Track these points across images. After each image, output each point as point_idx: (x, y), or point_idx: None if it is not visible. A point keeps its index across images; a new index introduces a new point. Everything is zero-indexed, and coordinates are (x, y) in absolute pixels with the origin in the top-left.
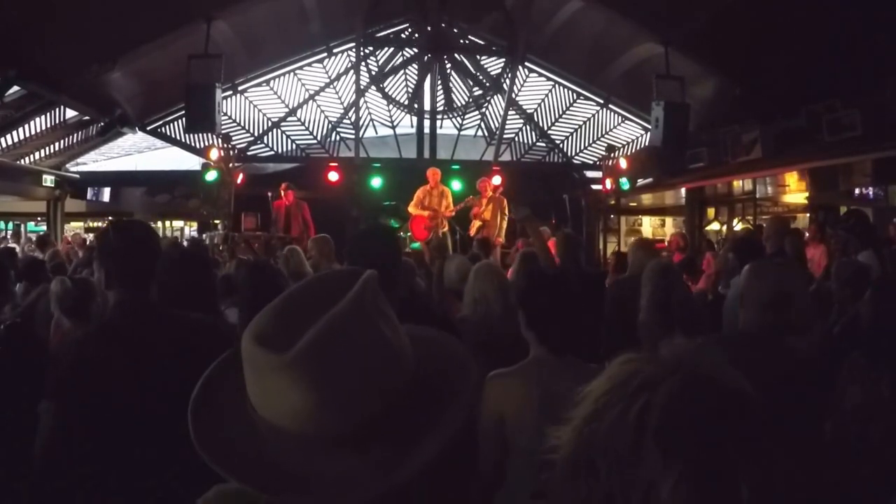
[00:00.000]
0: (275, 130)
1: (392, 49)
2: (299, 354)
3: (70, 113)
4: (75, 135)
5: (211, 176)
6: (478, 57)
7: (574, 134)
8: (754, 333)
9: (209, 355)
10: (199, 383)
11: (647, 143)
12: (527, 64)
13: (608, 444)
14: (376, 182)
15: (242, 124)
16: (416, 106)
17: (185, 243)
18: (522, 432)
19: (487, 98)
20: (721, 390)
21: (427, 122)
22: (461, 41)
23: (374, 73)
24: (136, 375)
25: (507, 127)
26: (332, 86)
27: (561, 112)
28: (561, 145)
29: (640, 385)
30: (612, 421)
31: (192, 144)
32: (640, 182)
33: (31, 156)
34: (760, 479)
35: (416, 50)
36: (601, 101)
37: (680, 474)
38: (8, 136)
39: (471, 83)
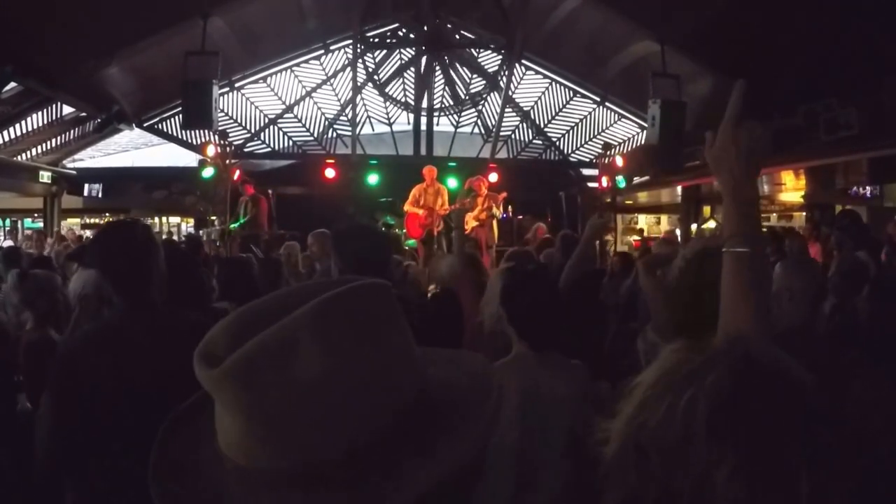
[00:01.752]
0: (272, 127)
1: (389, 45)
2: (227, 370)
3: (67, 109)
4: (72, 131)
5: (208, 172)
6: (475, 53)
7: (570, 131)
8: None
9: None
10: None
11: (643, 141)
12: (523, 61)
13: (659, 434)
14: (373, 179)
15: (239, 121)
16: (412, 103)
17: (182, 240)
18: (502, 427)
19: (484, 95)
20: (773, 376)
21: (424, 120)
22: (458, 38)
23: (370, 69)
24: (133, 376)
25: (503, 124)
26: (328, 83)
27: (557, 110)
28: (557, 143)
29: (689, 373)
30: (662, 411)
31: (189, 141)
32: (637, 180)
33: (28, 152)
34: (821, 469)
35: (413, 48)
36: (598, 99)
37: (735, 464)
38: (5, 133)
39: (468, 80)
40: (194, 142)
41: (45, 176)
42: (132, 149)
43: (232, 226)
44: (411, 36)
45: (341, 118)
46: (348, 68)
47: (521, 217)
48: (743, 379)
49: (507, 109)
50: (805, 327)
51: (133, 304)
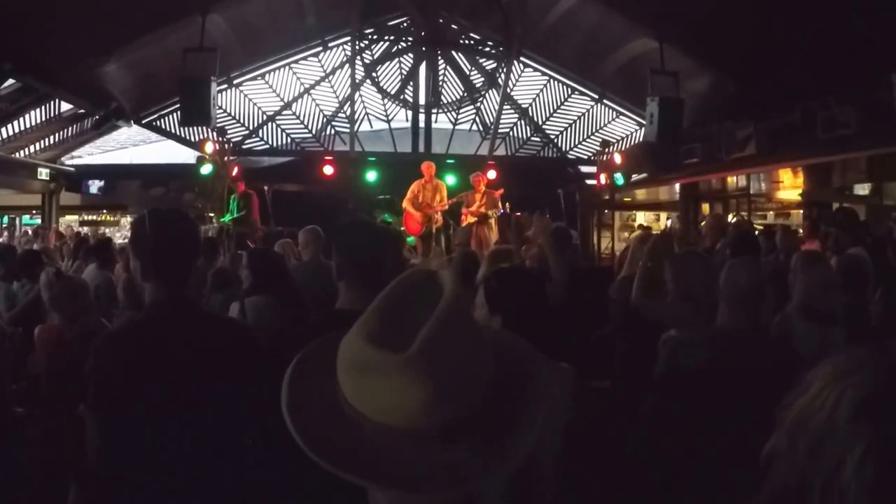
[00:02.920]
0: (270, 124)
1: (387, 42)
2: (417, 353)
3: (65, 106)
4: (70, 128)
5: (206, 169)
6: (473, 50)
7: (569, 129)
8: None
9: (239, 359)
10: (285, 383)
11: (641, 139)
12: (522, 59)
13: (807, 422)
14: (371, 176)
15: (237, 118)
16: (410, 100)
17: None
18: None
19: (482, 93)
20: None
21: (422, 117)
22: (456, 36)
23: (368, 66)
24: (168, 375)
25: (501, 121)
26: (327, 80)
27: (556, 107)
28: (555, 140)
29: (846, 368)
30: (815, 402)
31: (187, 138)
32: (635, 177)
33: (27, 149)
34: None
35: (411, 45)
36: (596, 97)
37: (865, 451)
38: (3, 130)
39: (465, 79)
40: (192, 139)
41: (43, 173)
42: (130, 146)
43: (222, 219)
44: (410, 32)
45: (340, 115)
46: (346, 65)
47: (518, 214)
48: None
49: (505, 106)
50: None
51: (170, 301)
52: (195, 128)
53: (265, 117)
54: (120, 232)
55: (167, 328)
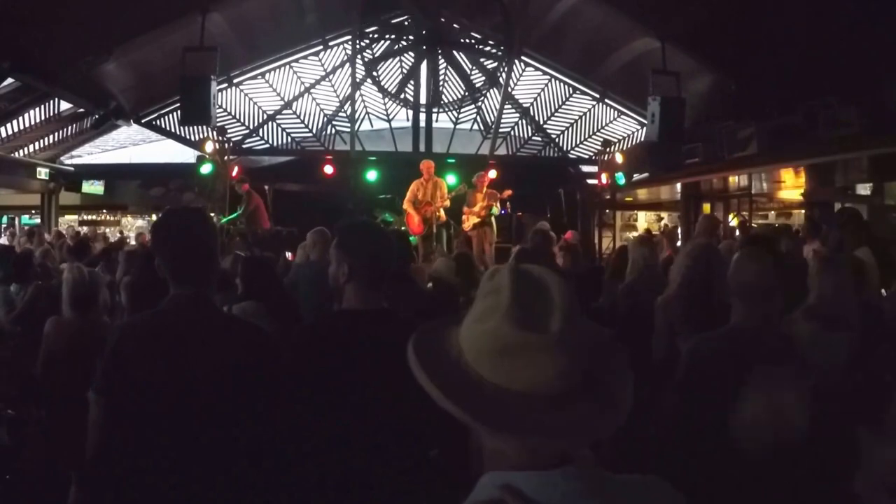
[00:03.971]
0: (270, 123)
1: (388, 41)
2: (558, 333)
3: (64, 105)
4: (69, 127)
5: (206, 169)
6: (474, 49)
7: (570, 128)
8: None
9: (250, 360)
10: (417, 359)
11: (642, 138)
12: (523, 58)
13: None
14: (372, 175)
15: (238, 117)
16: (411, 99)
17: None
18: None
19: (483, 92)
20: None
21: (423, 116)
22: (458, 35)
23: (369, 65)
24: (177, 367)
25: (502, 121)
26: (327, 79)
27: (557, 106)
28: (557, 140)
29: None
30: None
31: (187, 137)
32: (636, 177)
33: (26, 148)
34: None
35: (412, 44)
36: (597, 96)
37: None
38: (2, 129)
39: (466, 78)
40: (192, 138)
41: (42, 172)
42: (130, 145)
43: (223, 220)
44: (411, 31)
45: (340, 114)
46: (347, 64)
47: (520, 214)
48: None
49: (506, 106)
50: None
51: (187, 300)
52: (195, 127)
53: (265, 116)
54: (121, 232)
55: (181, 323)
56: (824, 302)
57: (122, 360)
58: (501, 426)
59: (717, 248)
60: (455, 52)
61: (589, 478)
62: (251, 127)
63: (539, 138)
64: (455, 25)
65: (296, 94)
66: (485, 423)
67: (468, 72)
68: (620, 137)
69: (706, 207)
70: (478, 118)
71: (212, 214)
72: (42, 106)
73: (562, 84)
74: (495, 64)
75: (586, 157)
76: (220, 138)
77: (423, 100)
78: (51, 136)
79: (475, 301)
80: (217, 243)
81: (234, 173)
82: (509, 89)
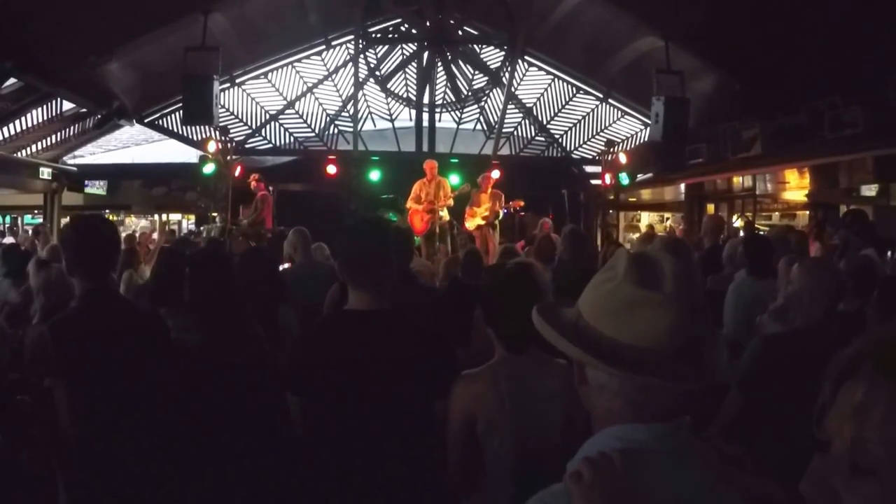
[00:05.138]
0: (273, 123)
1: (391, 42)
2: (673, 293)
3: (67, 105)
4: (72, 127)
5: (208, 168)
6: (477, 49)
7: (573, 128)
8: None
9: (155, 340)
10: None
11: (646, 139)
12: (526, 57)
13: None
14: (374, 175)
15: (240, 117)
16: (414, 99)
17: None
18: (494, 433)
19: (486, 92)
20: None
21: (426, 116)
22: (460, 34)
23: (372, 65)
24: (105, 354)
25: (506, 121)
26: (330, 79)
27: (560, 106)
28: (560, 140)
29: None
30: None
31: (190, 137)
32: (640, 177)
33: (28, 148)
34: None
35: (415, 44)
36: (601, 96)
37: None
38: (4, 129)
39: (470, 77)
40: (195, 138)
41: (45, 172)
42: (132, 145)
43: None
44: (414, 31)
45: (343, 114)
46: (350, 64)
47: (522, 214)
48: None
49: (509, 106)
50: (822, 326)
51: (97, 292)
52: (198, 127)
53: (268, 116)
54: (125, 232)
55: (97, 313)
56: (791, 303)
57: (65, 348)
58: (619, 365)
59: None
60: (458, 51)
61: (689, 434)
62: (254, 127)
63: (542, 138)
64: (458, 25)
65: (298, 93)
66: (606, 362)
67: (471, 71)
68: (624, 137)
69: (710, 208)
70: (481, 118)
71: (214, 214)
72: (45, 106)
73: (565, 84)
74: (498, 63)
75: (590, 157)
76: (223, 138)
77: (426, 99)
78: (53, 136)
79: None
80: (116, 244)
81: (236, 173)
82: (512, 89)
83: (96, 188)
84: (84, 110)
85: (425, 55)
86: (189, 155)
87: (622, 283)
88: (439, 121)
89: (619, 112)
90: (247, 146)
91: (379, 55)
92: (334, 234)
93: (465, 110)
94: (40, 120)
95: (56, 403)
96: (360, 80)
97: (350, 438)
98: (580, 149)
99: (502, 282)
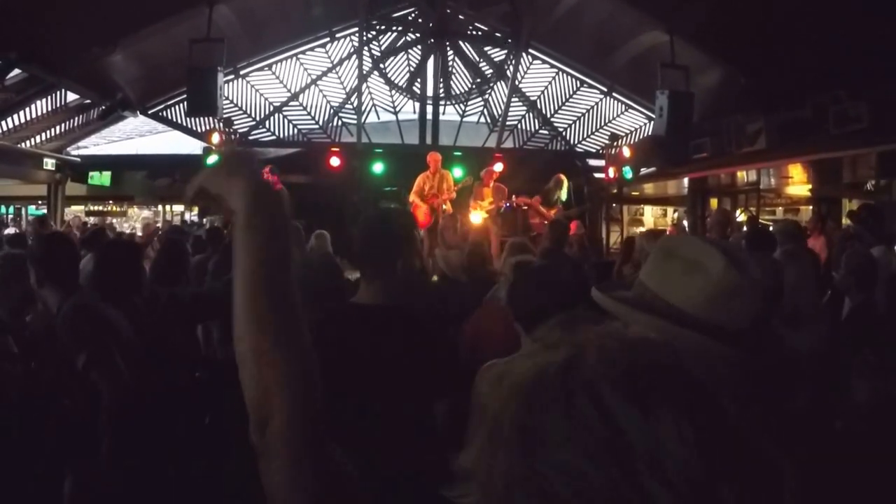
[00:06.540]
0: (276, 115)
1: (395, 33)
2: (759, 279)
3: (71, 96)
4: (76, 118)
5: (212, 160)
6: (482, 42)
7: (577, 122)
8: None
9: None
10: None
11: (650, 132)
12: (530, 51)
13: None
14: (378, 168)
15: (244, 108)
16: (418, 91)
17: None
18: None
19: (490, 85)
20: None
21: (430, 108)
22: (465, 27)
23: (376, 57)
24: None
25: (509, 114)
26: (334, 70)
27: (564, 100)
28: (564, 133)
29: None
30: None
31: (194, 129)
32: (643, 171)
33: (32, 139)
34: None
35: (419, 36)
36: (605, 90)
37: None
38: (9, 120)
39: (473, 71)
40: (199, 129)
41: (49, 163)
42: (136, 136)
43: None
44: (418, 23)
45: (346, 106)
46: (354, 56)
47: (525, 208)
48: None
49: (513, 99)
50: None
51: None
52: (202, 118)
53: (272, 108)
54: (128, 223)
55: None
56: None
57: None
58: (720, 339)
59: None
60: (462, 44)
61: None
62: (258, 118)
63: (546, 132)
64: (462, 17)
65: (302, 85)
66: (711, 335)
67: (476, 64)
68: (628, 131)
69: (713, 202)
70: (485, 111)
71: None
72: (49, 97)
73: (569, 77)
74: (503, 56)
75: (593, 150)
76: (227, 130)
77: (430, 92)
78: (57, 127)
79: (645, 262)
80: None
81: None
82: (516, 82)
83: (100, 178)
84: (88, 101)
85: (430, 48)
86: (193, 146)
87: (727, 271)
88: (443, 113)
89: (623, 106)
90: (250, 138)
91: (383, 48)
92: (335, 225)
93: (469, 103)
94: (44, 111)
95: (99, 376)
96: (364, 72)
97: (345, 437)
98: (584, 142)
99: (529, 279)
